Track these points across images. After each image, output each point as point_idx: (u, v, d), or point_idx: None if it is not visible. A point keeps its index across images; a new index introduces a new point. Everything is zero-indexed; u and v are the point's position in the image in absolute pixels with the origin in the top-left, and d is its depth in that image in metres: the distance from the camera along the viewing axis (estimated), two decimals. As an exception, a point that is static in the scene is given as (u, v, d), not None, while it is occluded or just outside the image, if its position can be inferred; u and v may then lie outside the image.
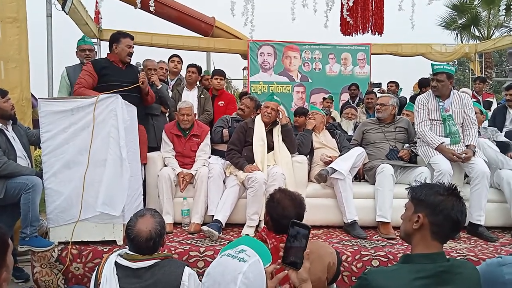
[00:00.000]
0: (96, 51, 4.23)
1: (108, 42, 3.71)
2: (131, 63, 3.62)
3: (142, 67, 3.52)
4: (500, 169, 3.50)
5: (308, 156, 3.86)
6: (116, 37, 3.49)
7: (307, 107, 7.51)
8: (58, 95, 4.04)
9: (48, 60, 4.75)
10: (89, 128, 2.90)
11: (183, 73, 5.28)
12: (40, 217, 3.37)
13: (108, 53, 3.55)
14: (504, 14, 6.47)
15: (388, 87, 6.56)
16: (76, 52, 4.07)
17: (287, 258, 1.37)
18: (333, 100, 6.56)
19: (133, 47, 3.50)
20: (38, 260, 2.92)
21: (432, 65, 3.63)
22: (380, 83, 6.86)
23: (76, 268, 2.89)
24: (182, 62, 5.21)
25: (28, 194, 2.92)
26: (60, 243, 2.96)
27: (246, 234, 3.23)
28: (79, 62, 4.07)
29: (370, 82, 7.05)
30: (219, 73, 5.11)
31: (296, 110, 4.66)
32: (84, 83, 3.30)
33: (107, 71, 3.40)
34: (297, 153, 3.83)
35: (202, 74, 5.72)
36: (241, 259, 1.39)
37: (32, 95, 4.15)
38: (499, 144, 3.70)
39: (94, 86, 3.35)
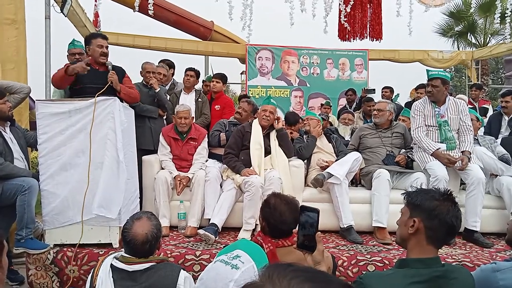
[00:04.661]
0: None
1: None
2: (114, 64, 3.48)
3: (110, 66, 3.40)
4: (500, 176, 3.52)
5: (305, 161, 3.87)
6: (87, 39, 3.40)
7: (304, 111, 7.55)
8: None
9: (46, 62, 4.74)
10: (86, 130, 2.90)
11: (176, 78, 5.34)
12: (36, 219, 3.35)
13: (86, 56, 3.45)
14: (499, 22, 6.53)
15: (383, 93, 6.58)
16: (67, 56, 4.03)
17: (301, 242, 1.39)
18: (330, 106, 6.58)
19: (106, 46, 3.40)
20: (33, 263, 2.91)
21: (427, 71, 3.66)
22: (374, 89, 6.89)
23: (72, 271, 2.88)
24: (169, 66, 5.20)
25: (24, 196, 2.91)
26: (55, 245, 2.95)
27: (242, 238, 3.23)
28: None
29: (364, 88, 7.08)
30: (216, 76, 5.14)
31: (288, 120, 4.54)
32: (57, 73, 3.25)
33: (79, 74, 3.25)
34: (295, 157, 3.84)
35: (203, 79, 5.73)
36: (234, 266, 1.40)
37: (30, 97, 4.13)
38: (500, 158, 3.71)
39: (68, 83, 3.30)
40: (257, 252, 1.55)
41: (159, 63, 5.16)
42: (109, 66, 3.39)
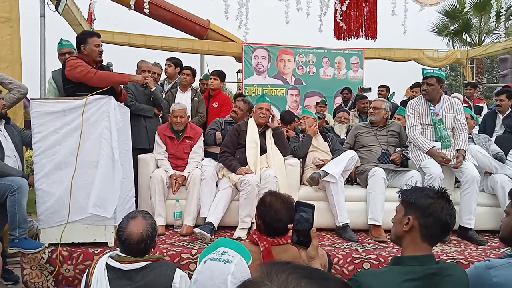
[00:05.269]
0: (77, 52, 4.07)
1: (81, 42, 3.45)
2: (102, 63, 3.41)
3: (112, 67, 3.36)
4: (494, 174, 3.54)
5: (300, 159, 3.88)
6: (83, 38, 3.26)
7: (300, 110, 7.55)
8: None
9: (40, 60, 4.71)
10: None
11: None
12: (31, 218, 3.33)
13: (78, 54, 3.32)
14: (495, 21, 6.57)
15: (379, 92, 6.60)
16: (58, 56, 3.96)
17: (296, 238, 1.40)
18: (325, 105, 6.59)
19: (101, 45, 3.30)
20: (28, 262, 2.89)
21: (423, 69, 3.67)
22: (370, 88, 6.91)
23: (67, 270, 2.87)
24: (175, 65, 5.13)
25: (14, 196, 2.88)
26: (50, 244, 2.93)
27: (238, 237, 3.23)
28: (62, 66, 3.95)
29: (360, 86, 7.11)
30: (214, 73, 5.13)
31: (284, 119, 4.54)
32: (89, 68, 3.09)
33: None
34: (291, 155, 3.84)
35: (200, 78, 5.69)
36: (226, 260, 1.41)
37: (24, 95, 4.12)
38: (495, 157, 3.73)
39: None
40: (238, 246, 1.58)
41: (166, 61, 5.12)
42: (111, 67, 3.36)
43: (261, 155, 3.63)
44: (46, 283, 2.89)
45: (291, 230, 1.47)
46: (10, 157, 3.19)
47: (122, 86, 3.49)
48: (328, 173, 3.41)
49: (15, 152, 3.28)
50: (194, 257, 2.89)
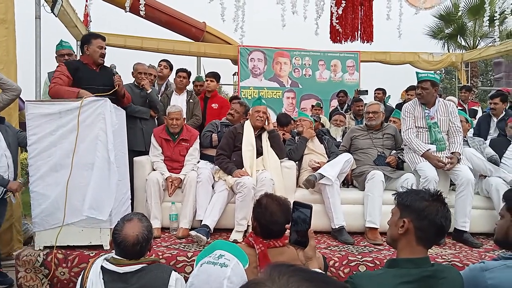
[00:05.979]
0: (76, 55, 4.10)
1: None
2: (105, 64, 3.46)
3: (115, 69, 3.39)
4: (489, 177, 3.57)
5: (296, 162, 3.88)
6: (87, 39, 3.35)
7: (296, 113, 7.57)
8: None
9: (36, 62, 4.69)
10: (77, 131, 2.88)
11: (171, 78, 5.27)
12: (26, 221, 3.30)
13: (81, 55, 3.39)
14: (488, 25, 6.64)
15: (375, 95, 6.63)
16: (56, 57, 3.97)
17: (294, 238, 1.40)
18: (320, 107, 6.62)
19: (105, 48, 3.37)
20: (22, 265, 2.86)
21: (417, 73, 3.69)
22: (367, 91, 6.94)
23: (62, 273, 2.85)
24: (170, 67, 5.16)
25: None
26: (45, 247, 2.91)
27: (234, 239, 3.23)
28: None
29: (357, 89, 7.13)
30: (209, 75, 5.15)
31: (281, 121, 4.57)
32: (59, 82, 3.16)
33: (80, 74, 3.25)
34: (286, 158, 3.85)
35: (193, 80, 5.72)
36: (223, 264, 1.42)
37: (19, 97, 4.09)
38: (489, 159, 3.76)
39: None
40: (235, 249, 1.58)
41: (160, 62, 5.12)
42: (114, 70, 3.38)
43: (257, 158, 3.63)
44: (41, 286, 2.87)
45: (289, 230, 1.48)
46: None
47: (124, 88, 3.51)
48: (324, 176, 3.42)
49: (7, 151, 3.25)
50: (190, 259, 2.88)
